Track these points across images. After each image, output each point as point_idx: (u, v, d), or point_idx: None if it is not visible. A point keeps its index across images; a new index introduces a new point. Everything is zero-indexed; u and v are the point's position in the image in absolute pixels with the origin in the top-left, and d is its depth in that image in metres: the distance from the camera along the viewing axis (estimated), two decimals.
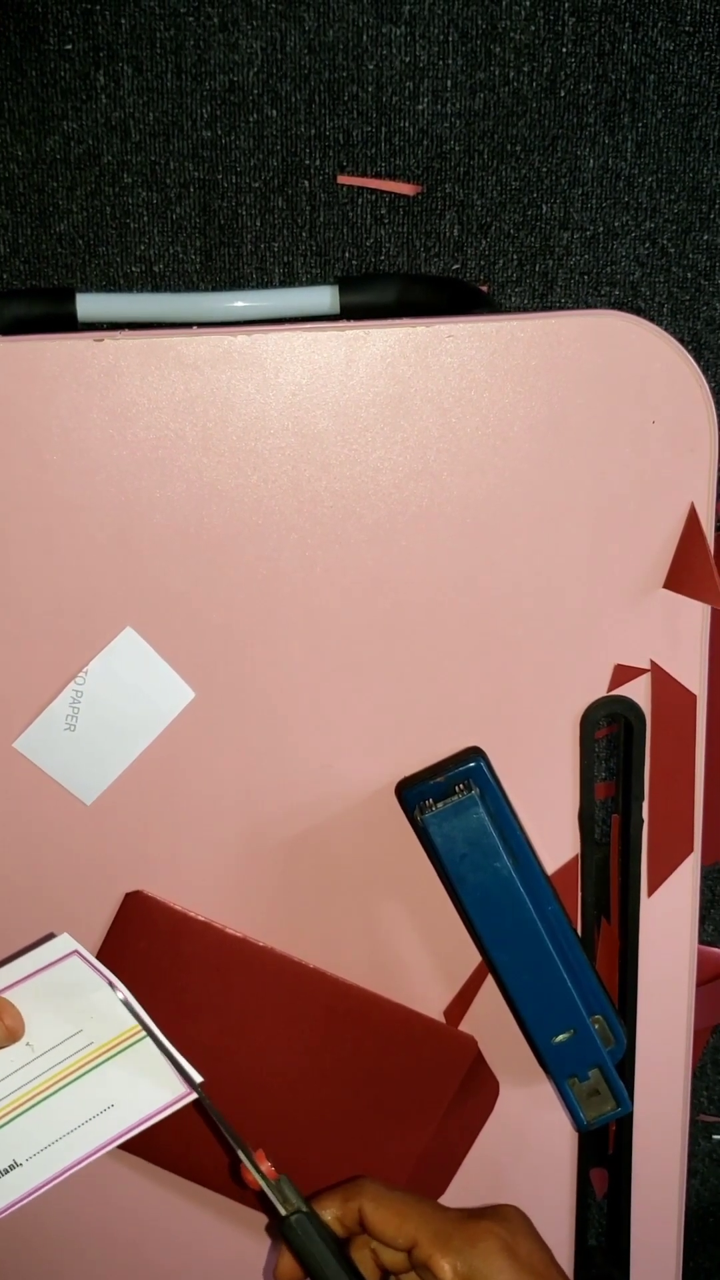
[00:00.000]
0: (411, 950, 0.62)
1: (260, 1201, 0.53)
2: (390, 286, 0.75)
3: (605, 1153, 0.66)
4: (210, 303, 0.76)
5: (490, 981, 0.61)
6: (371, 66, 0.82)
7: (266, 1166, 0.52)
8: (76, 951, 0.52)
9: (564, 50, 0.83)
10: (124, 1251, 0.65)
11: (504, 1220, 0.52)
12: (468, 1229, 0.51)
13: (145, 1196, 0.64)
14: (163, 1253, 0.65)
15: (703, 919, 0.89)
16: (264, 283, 0.85)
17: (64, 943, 0.52)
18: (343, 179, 0.84)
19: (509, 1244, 0.51)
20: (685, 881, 0.62)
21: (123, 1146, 0.59)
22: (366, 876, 0.61)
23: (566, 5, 0.82)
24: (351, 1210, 0.53)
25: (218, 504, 0.56)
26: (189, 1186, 0.64)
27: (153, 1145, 0.63)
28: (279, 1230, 0.52)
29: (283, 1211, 0.51)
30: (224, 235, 0.84)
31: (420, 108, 0.83)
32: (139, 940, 0.60)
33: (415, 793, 0.58)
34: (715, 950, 0.91)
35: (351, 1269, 0.52)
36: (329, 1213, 0.53)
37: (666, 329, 0.56)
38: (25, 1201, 0.54)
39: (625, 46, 0.83)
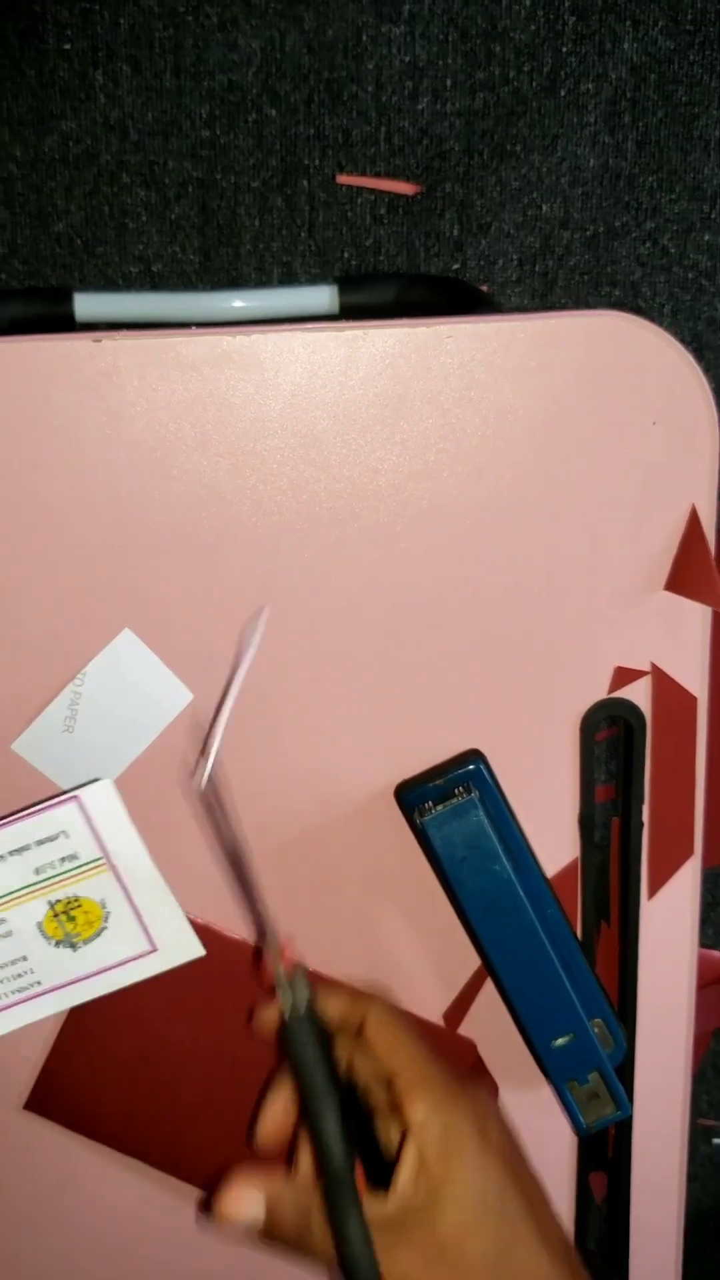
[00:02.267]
0: (410, 953, 0.61)
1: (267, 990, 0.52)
2: (390, 286, 0.75)
3: (605, 1157, 0.65)
4: (209, 302, 0.75)
5: (489, 985, 0.61)
6: (371, 66, 0.82)
7: (287, 957, 0.51)
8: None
9: (564, 49, 0.83)
10: (98, 1251, 0.65)
11: (480, 1098, 0.50)
12: (450, 1086, 0.49)
13: (129, 1195, 0.64)
14: (146, 1251, 0.65)
15: (703, 922, 0.89)
16: (263, 282, 0.85)
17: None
18: (342, 178, 0.83)
19: (481, 1119, 0.49)
20: (686, 884, 0.61)
21: (96, 1137, 0.59)
22: (365, 879, 0.60)
23: (567, 4, 0.82)
24: (357, 1012, 0.51)
25: (216, 505, 0.56)
26: (173, 1184, 0.64)
27: (134, 1140, 0.62)
28: (279, 1029, 0.51)
29: (287, 1012, 0.50)
30: (223, 235, 0.84)
31: (420, 107, 0.83)
32: None
33: (414, 795, 0.57)
34: (715, 953, 0.91)
35: (336, 1081, 0.50)
36: (333, 1005, 0.52)
37: (667, 329, 0.56)
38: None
39: (626, 45, 0.83)
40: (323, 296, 0.74)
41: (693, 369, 0.56)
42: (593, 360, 0.56)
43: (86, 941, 0.56)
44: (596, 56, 0.83)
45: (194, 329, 0.55)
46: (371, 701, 0.58)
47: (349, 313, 0.74)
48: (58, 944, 0.56)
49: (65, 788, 0.58)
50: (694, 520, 0.57)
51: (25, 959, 0.56)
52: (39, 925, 0.56)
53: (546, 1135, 0.64)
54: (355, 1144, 0.49)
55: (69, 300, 0.73)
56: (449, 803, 0.56)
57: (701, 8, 0.83)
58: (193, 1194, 0.64)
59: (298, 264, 0.84)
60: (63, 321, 0.73)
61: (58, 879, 0.55)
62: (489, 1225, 0.47)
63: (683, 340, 0.57)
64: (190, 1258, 0.65)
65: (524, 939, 0.57)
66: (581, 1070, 0.59)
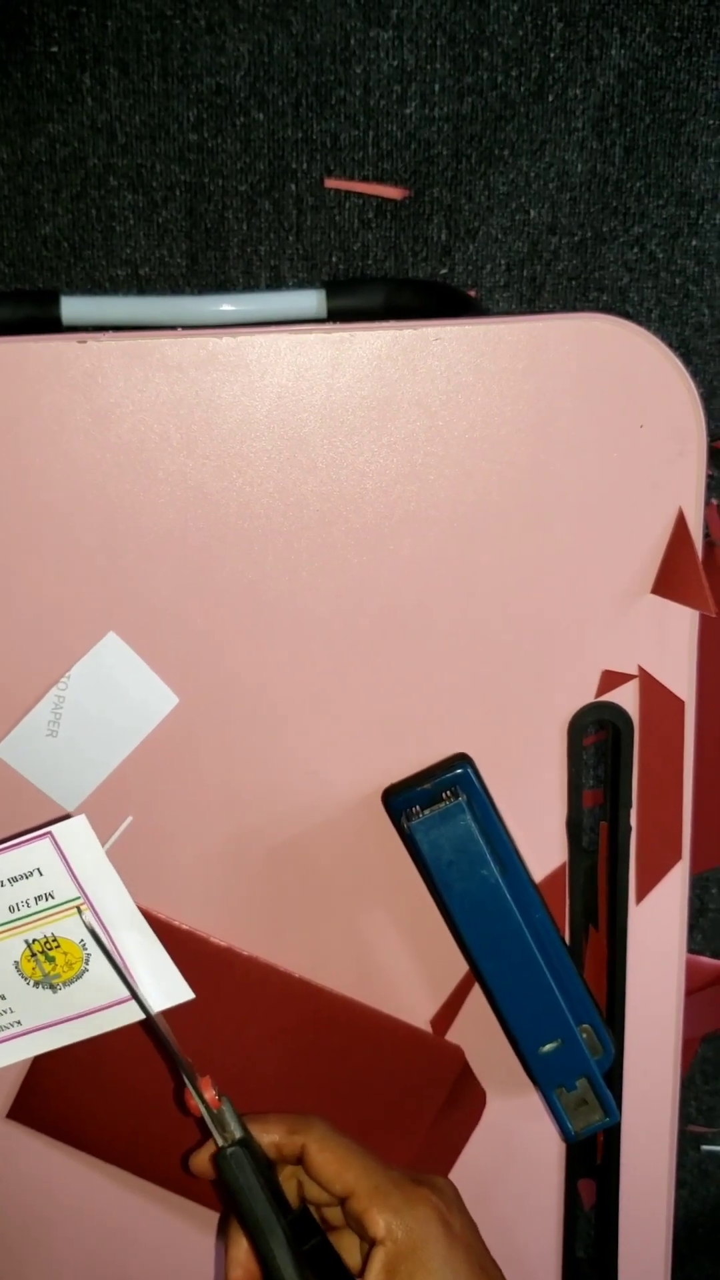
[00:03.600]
0: (398, 959, 0.61)
1: (199, 1127, 0.52)
2: (377, 291, 0.75)
3: (593, 1163, 0.65)
4: (196, 306, 0.75)
5: (477, 991, 0.61)
6: (359, 70, 0.82)
7: (210, 1095, 0.51)
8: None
9: (552, 55, 0.83)
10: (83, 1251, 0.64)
11: (439, 1191, 0.52)
12: (406, 1191, 0.51)
13: (108, 1198, 0.64)
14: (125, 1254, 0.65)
15: (691, 927, 0.88)
16: (250, 286, 0.85)
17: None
18: (330, 182, 0.83)
19: (444, 1214, 0.51)
20: (674, 889, 0.61)
21: (80, 1146, 0.59)
22: (353, 884, 0.60)
23: (554, 10, 0.82)
24: (294, 1144, 0.52)
25: (203, 507, 0.56)
26: (153, 1190, 0.63)
27: (109, 1144, 0.62)
28: (214, 1160, 0.52)
29: (220, 1142, 0.51)
30: (210, 238, 0.84)
31: (408, 111, 0.83)
32: None
33: (402, 799, 0.57)
34: (704, 959, 0.90)
35: (280, 1205, 0.51)
36: (270, 1137, 0.52)
37: (655, 334, 0.56)
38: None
39: (614, 51, 0.83)
40: (310, 300, 0.74)
41: (680, 372, 0.56)
42: (580, 363, 0.56)
43: (67, 984, 0.55)
44: (584, 62, 0.83)
45: (180, 331, 0.55)
46: (359, 705, 0.58)
47: (337, 317, 0.74)
48: (36, 984, 0.55)
49: (49, 793, 0.58)
50: (681, 524, 0.57)
51: (4, 998, 0.55)
52: (15, 965, 0.54)
53: (534, 1142, 0.64)
54: (320, 1263, 0.51)
55: (56, 304, 0.73)
56: (436, 807, 0.55)
57: (689, 14, 0.83)
58: (177, 1201, 0.63)
59: (285, 268, 0.84)
60: (49, 325, 0.73)
61: (34, 918, 0.54)
62: None
63: (670, 345, 0.57)
64: (174, 1265, 0.64)
65: (511, 944, 0.57)
66: (570, 1076, 0.59)
